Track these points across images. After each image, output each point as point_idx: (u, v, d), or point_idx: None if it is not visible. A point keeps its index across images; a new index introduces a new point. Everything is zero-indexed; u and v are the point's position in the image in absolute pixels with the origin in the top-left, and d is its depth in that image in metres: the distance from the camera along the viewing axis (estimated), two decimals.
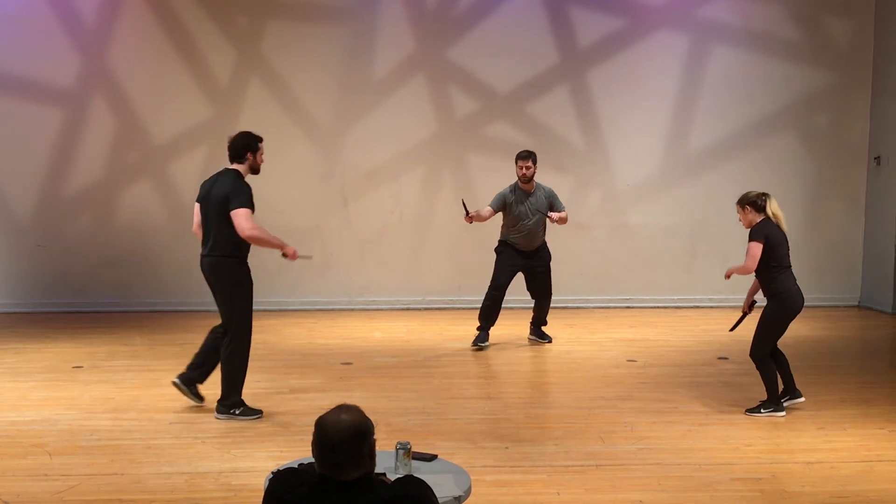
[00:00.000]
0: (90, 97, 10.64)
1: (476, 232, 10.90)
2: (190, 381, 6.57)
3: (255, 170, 6.53)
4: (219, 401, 6.42)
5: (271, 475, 3.07)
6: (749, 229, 6.62)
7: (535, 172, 8.50)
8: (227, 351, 6.43)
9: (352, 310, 10.61)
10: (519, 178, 8.51)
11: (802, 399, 6.63)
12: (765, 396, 6.56)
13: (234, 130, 10.53)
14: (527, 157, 8.48)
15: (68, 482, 5.14)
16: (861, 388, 7.37)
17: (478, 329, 8.61)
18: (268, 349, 8.73)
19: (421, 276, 10.98)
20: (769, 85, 11.13)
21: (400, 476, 3.02)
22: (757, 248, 6.44)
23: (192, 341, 9.00)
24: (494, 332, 8.71)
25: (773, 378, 6.53)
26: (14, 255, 10.71)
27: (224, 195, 6.29)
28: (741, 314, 6.93)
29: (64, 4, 10.52)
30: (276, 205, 10.83)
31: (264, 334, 9.45)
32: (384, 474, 3.04)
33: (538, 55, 10.92)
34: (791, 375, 6.65)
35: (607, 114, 11.04)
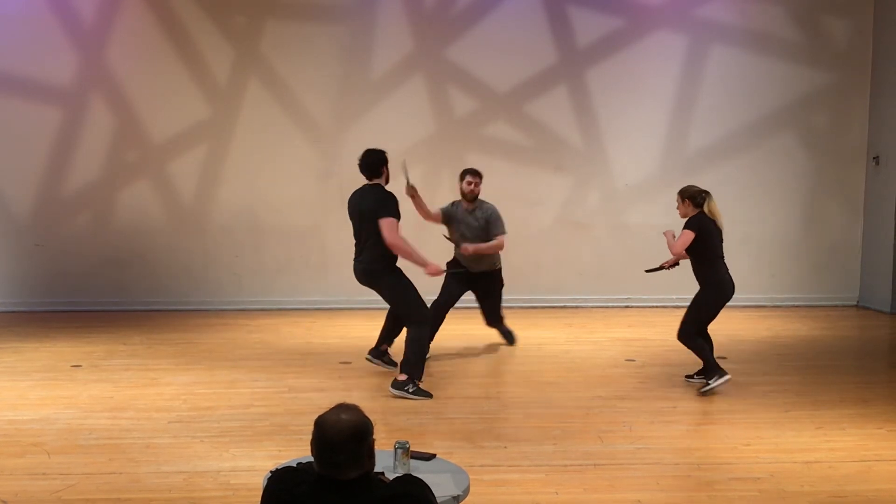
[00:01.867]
0: (89, 96, 10.63)
1: None
2: (379, 354, 7.50)
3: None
4: (396, 379, 6.89)
5: (270, 474, 3.06)
6: (684, 220, 7.08)
7: (480, 191, 8.04)
8: (407, 336, 6.99)
9: (350, 309, 10.60)
10: (464, 195, 8.01)
11: (728, 376, 6.96)
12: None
13: (233, 129, 10.77)
14: (475, 174, 8.03)
15: (67, 481, 5.13)
16: (859, 388, 7.37)
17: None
18: (267, 348, 8.73)
19: (419, 275, 10.92)
20: (768, 85, 11.13)
21: (398, 475, 3.02)
22: (689, 236, 6.91)
23: (191, 340, 9.06)
24: (494, 331, 8.69)
25: (704, 350, 7.02)
26: (13, 255, 10.71)
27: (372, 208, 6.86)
28: (663, 266, 7.59)
29: (63, 4, 10.51)
30: (274, 204, 10.85)
31: (263, 333, 9.45)
32: (382, 473, 3.04)
33: (537, 55, 10.92)
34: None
35: (606, 113, 11.04)
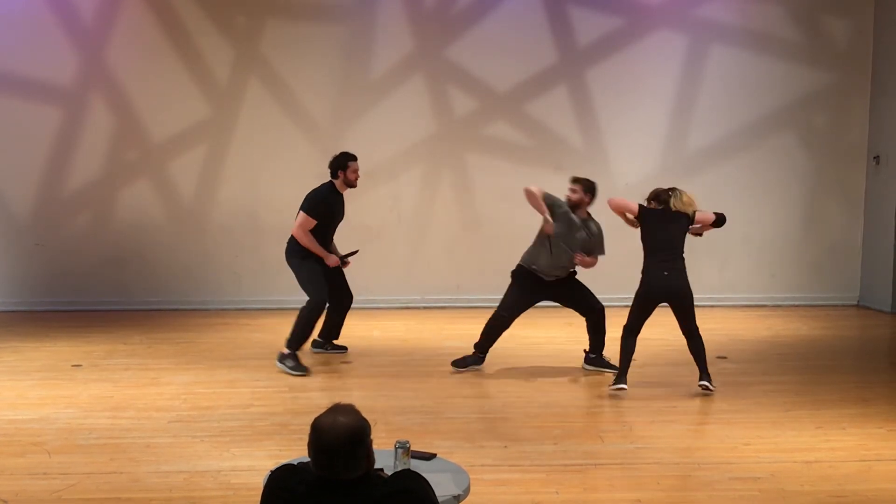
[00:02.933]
0: (89, 96, 10.63)
1: (475, 232, 10.93)
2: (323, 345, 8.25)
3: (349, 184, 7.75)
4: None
5: (270, 473, 3.06)
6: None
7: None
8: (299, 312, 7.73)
9: (350, 308, 10.59)
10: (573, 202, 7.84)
11: (624, 387, 6.90)
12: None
13: (232, 129, 10.76)
14: (579, 181, 8.01)
15: (67, 481, 5.13)
16: (860, 388, 7.37)
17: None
18: (267, 348, 8.72)
19: (419, 275, 10.98)
20: (768, 85, 11.13)
21: (397, 471, 3.01)
22: (632, 204, 7.37)
23: (191, 340, 9.06)
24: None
25: (626, 354, 6.97)
26: (12, 254, 10.70)
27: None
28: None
29: (63, 4, 10.51)
30: (274, 204, 10.83)
31: (263, 333, 9.45)
32: (381, 469, 3.03)
33: (537, 54, 10.92)
34: (627, 365, 7.00)
35: (606, 113, 11.04)
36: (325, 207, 7.67)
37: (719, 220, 7.29)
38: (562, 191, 10.13)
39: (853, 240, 11.34)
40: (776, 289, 11.23)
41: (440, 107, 10.92)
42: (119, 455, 5.57)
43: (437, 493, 2.95)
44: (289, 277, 10.91)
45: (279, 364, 7.54)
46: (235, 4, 10.70)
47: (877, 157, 11.07)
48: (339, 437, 2.76)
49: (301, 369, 7.48)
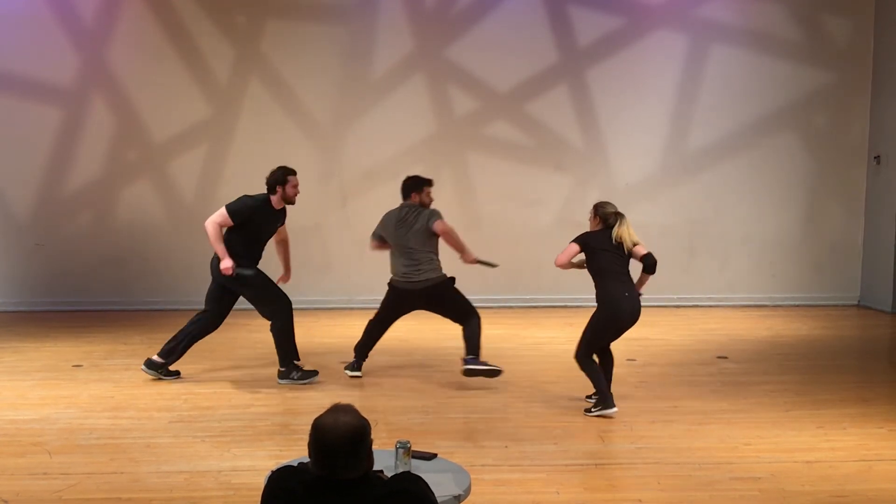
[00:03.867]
0: (89, 96, 10.64)
1: (476, 231, 10.91)
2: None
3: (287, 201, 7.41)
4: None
5: (270, 473, 3.06)
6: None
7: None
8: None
9: (351, 309, 10.60)
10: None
11: (615, 409, 6.40)
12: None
13: (233, 129, 10.76)
14: None
15: (67, 481, 5.13)
16: (860, 388, 7.37)
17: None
18: (267, 348, 8.71)
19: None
20: (768, 84, 11.13)
21: (397, 473, 3.02)
22: (572, 248, 6.59)
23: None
24: (494, 330, 8.70)
25: (598, 375, 6.42)
26: (13, 254, 10.71)
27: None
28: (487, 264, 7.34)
29: (63, 4, 10.52)
30: None
31: (264, 333, 9.42)
32: (381, 471, 3.03)
33: (537, 54, 10.92)
34: (608, 384, 6.54)
35: (606, 113, 11.04)
36: (247, 214, 7.26)
37: (649, 266, 6.57)
38: (562, 190, 10.17)
39: (854, 240, 11.34)
40: (777, 289, 11.23)
41: (440, 106, 10.92)
42: (120, 455, 5.57)
43: (437, 494, 2.96)
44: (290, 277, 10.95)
45: (284, 381, 7.24)
46: (236, 5, 10.70)
47: (877, 157, 11.06)
48: (342, 436, 2.77)
49: (309, 375, 7.30)
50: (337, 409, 2.86)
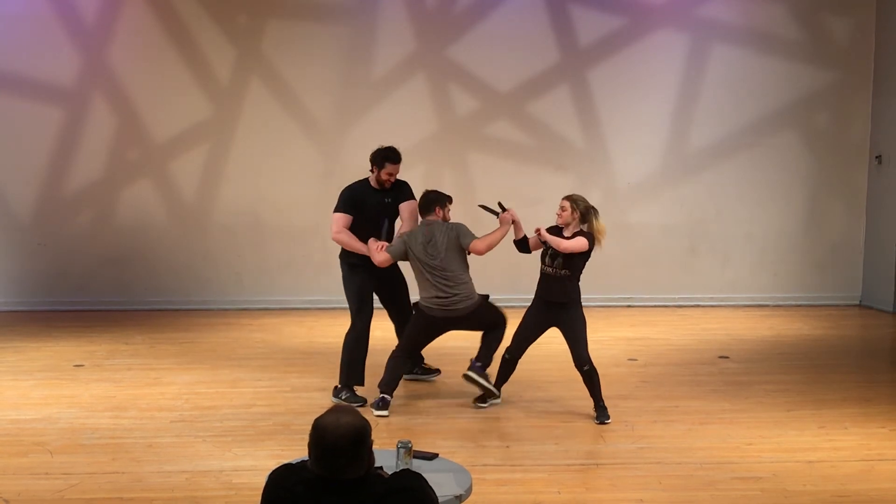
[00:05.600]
0: (90, 96, 10.64)
1: (477, 231, 10.90)
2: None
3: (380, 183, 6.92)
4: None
5: (270, 473, 3.06)
6: (567, 225, 6.52)
7: None
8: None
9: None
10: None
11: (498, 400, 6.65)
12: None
13: (234, 129, 10.77)
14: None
15: (69, 481, 5.14)
16: (862, 387, 7.37)
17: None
18: (269, 348, 8.74)
19: None
20: (770, 84, 11.12)
21: (397, 471, 3.01)
22: (584, 244, 6.41)
23: (193, 340, 9.07)
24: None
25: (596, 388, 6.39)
26: (15, 254, 10.71)
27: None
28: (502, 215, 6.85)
29: (64, 3, 10.52)
30: (276, 203, 10.85)
31: (265, 333, 9.46)
32: (381, 468, 3.03)
33: (539, 54, 10.92)
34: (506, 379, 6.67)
35: (608, 112, 11.04)
36: (354, 200, 6.91)
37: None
38: (563, 190, 10.10)
39: (855, 239, 11.33)
40: (778, 288, 11.23)
41: (442, 106, 10.92)
42: (121, 455, 5.57)
43: (439, 493, 2.96)
44: (291, 277, 10.99)
45: (334, 398, 6.83)
46: (237, 4, 10.70)
47: (879, 157, 11.06)
48: (344, 436, 2.77)
49: (356, 400, 6.72)
50: (337, 409, 2.87)
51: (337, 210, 6.90)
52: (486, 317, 6.79)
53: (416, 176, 10.94)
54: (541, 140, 11.01)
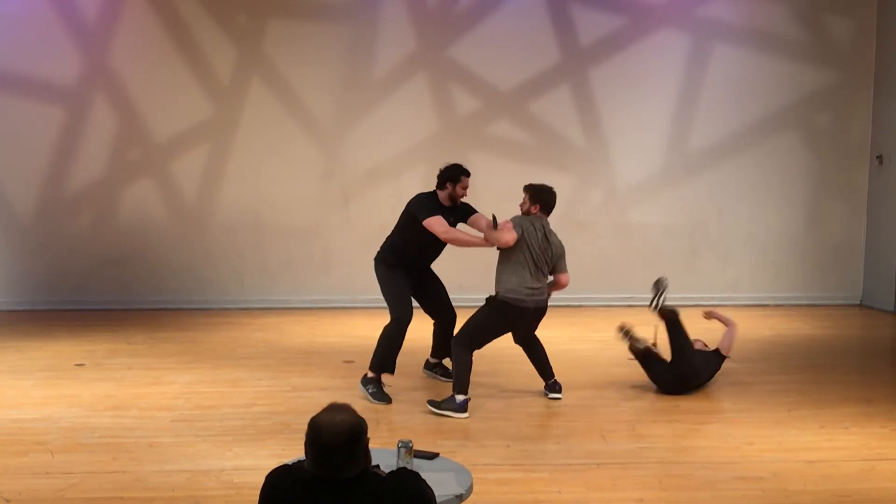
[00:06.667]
0: (91, 96, 10.64)
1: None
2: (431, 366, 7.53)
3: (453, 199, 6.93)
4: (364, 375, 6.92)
5: (268, 473, 3.06)
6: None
7: None
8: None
9: (353, 308, 10.61)
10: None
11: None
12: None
13: (235, 129, 10.77)
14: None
15: (70, 480, 5.14)
16: (863, 387, 7.37)
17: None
18: (269, 347, 8.74)
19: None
20: (771, 83, 11.12)
21: (394, 469, 3.01)
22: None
23: (194, 339, 9.07)
24: None
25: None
26: (15, 254, 10.72)
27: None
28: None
29: (65, 3, 10.52)
30: (276, 203, 10.85)
31: (266, 332, 9.46)
32: (378, 466, 3.03)
33: (540, 53, 10.92)
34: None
35: (609, 112, 11.04)
36: (427, 200, 6.97)
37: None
38: (564, 190, 10.11)
39: (856, 239, 11.33)
40: (779, 288, 11.23)
41: (443, 106, 10.92)
42: (122, 454, 5.57)
43: (439, 493, 2.96)
44: (291, 277, 10.99)
45: (361, 387, 6.82)
46: (237, 4, 10.70)
47: (880, 157, 11.06)
48: (340, 434, 2.77)
49: (382, 398, 6.72)
50: (333, 407, 2.86)
51: (430, 214, 6.77)
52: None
53: (417, 175, 10.98)
54: (541, 140, 11.01)
